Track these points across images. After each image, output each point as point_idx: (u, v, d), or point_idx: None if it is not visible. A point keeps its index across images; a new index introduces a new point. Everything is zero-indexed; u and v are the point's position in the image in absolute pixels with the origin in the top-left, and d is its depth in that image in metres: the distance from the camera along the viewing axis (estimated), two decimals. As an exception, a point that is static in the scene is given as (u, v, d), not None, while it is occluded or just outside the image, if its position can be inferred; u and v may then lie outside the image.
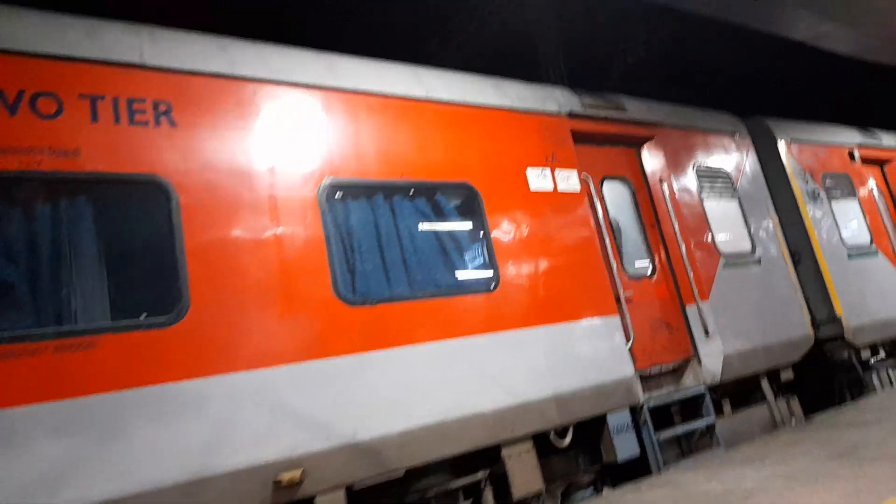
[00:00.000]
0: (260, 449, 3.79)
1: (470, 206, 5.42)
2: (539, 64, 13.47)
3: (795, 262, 8.68)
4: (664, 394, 6.40)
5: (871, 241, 9.36)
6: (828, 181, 9.25)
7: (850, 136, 10.07)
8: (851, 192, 9.53)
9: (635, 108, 7.22)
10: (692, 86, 17.56)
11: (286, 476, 3.77)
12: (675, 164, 7.31)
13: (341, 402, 4.14)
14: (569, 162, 6.23)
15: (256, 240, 4.19)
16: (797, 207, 8.69)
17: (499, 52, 13.21)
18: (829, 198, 9.12)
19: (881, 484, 3.93)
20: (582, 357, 5.51)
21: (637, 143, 7.28)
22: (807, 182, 8.93)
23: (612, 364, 5.70)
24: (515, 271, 5.41)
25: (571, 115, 6.48)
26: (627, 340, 5.95)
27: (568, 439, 5.37)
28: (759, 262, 7.64)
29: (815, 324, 8.52)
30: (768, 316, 7.40)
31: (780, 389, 7.67)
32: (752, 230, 7.81)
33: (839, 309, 8.35)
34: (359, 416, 4.16)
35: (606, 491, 5.81)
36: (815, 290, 8.53)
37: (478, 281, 5.21)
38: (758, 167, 8.41)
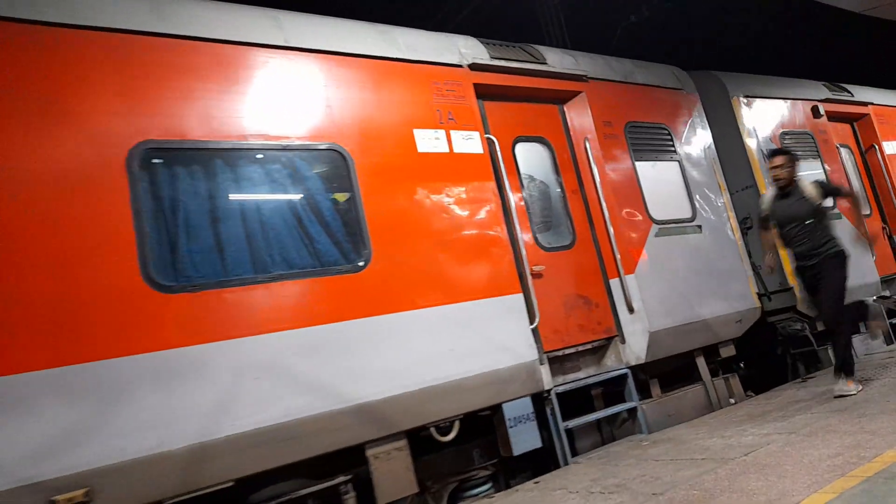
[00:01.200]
0: (35, 467, 3.19)
1: (338, 172, 4.72)
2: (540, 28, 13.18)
3: (747, 229, 8.01)
4: (578, 377, 5.81)
5: (834, 204, 8.66)
6: (787, 140, 8.50)
7: (814, 91, 9.28)
8: (814, 152, 8.79)
9: (557, 60, 6.45)
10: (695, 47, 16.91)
11: (62, 498, 3.18)
12: (605, 122, 6.57)
13: (147, 409, 3.53)
14: (469, 121, 5.51)
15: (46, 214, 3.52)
16: (751, 169, 7.98)
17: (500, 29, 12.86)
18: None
19: (880, 438, 3.94)
20: (472, 343, 4.88)
21: (560, 100, 6.54)
22: (763, 141, 8.19)
23: (511, 348, 5.08)
24: (394, 247, 4.74)
25: (475, 68, 5.73)
26: (533, 320, 5.32)
27: (452, 434, 4.79)
28: (699, 228, 6.97)
29: (765, 295, 7.90)
30: (707, 288, 6.76)
31: (722, 367, 7.08)
32: (695, 194, 7.11)
33: (791, 278, 7.71)
34: (166, 422, 3.55)
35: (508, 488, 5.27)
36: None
37: (344, 259, 4.55)
38: (705, 125, 7.67)
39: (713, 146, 7.64)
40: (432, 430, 4.68)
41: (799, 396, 6.05)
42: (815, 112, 9.02)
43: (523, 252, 5.48)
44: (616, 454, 5.25)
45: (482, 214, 5.31)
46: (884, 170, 9.73)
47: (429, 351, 4.64)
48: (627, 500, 3.86)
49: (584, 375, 5.91)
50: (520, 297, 5.29)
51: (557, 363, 5.80)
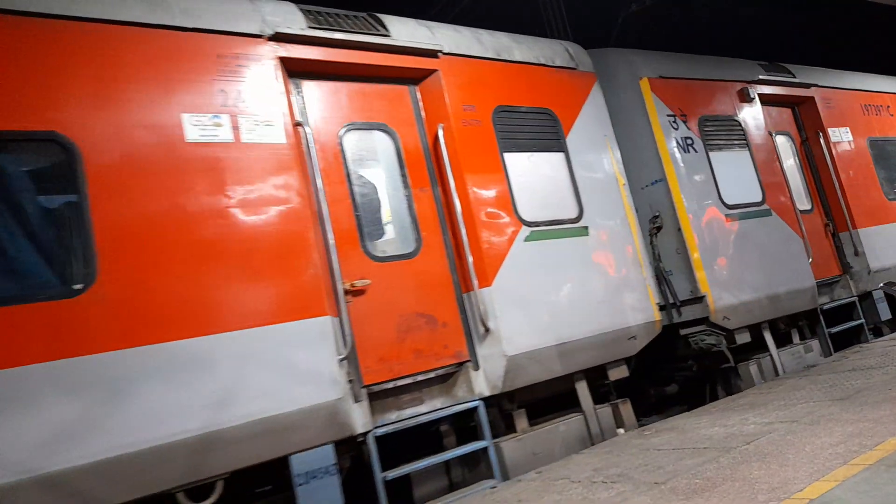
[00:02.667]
0: None
1: (61, 168, 3.71)
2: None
3: (657, 228, 7.02)
4: (418, 413, 4.83)
5: (764, 199, 7.66)
6: (707, 126, 7.49)
7: (746, 72, 8.26)
8: (742, 140, 7.79)
9: (406, 32, 5.43)
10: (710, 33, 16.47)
11: None
12: (466, 106, 5.56)
13: None
14: (270, 104, 4.49)
15: None
16: (660, 160, 6.98)
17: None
18: (708, 147, 7.39)
19: (882, 426, 3.92)
20: (244, 383, 3.89)
21: (412, 80, 5.52)
22: (676, 127, 7.18)
23: (304, 386, 4.09)
24: (137, 263, 3.74)
25: (283, 39, 4.70)
26: (342, 349, 4.33)
27: (212, 499, 3.80)
28: (585, 230, 5.97)
29: (674, 305, 6.92)
30: (592, 300, 5.77)
31: (613, 391, 6.11)
32: (583, 191, 6.11)
33: (704, 285, 6.73)
34: None
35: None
36: (678, 263, 6.90)
37: (50, 281, 3.54)
38: (603, 110, 6.65)
39: (613, 134, 6.63)
40: (179, 496, 3.70)
41: (801, 385, 5.98)
42: (745, 95, 8.01)
43: (335, 264, 4.48)
44: (618, 444, 5.19)
45: (279, 219, 4.30)
46: (828, 160, 8.73)
47: (173, 396, 3.65)
48: (630, 489, 3.83)
49: (428, 410, 4.93)
50: (326, 320, 4.29)
51: (390, 397, 4.81)
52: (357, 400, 4.42)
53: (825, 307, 8.03)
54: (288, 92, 4.68)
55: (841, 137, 9.08)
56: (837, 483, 3.10)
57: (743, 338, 7.07)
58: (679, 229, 6.84)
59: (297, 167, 4.49)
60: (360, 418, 4.36)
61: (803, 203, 8.55)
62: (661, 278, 6.99)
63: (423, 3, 13.56)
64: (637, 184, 7.21)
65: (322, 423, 4.14)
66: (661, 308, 7.05)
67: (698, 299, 6.77)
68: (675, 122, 7.19)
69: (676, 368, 7.50)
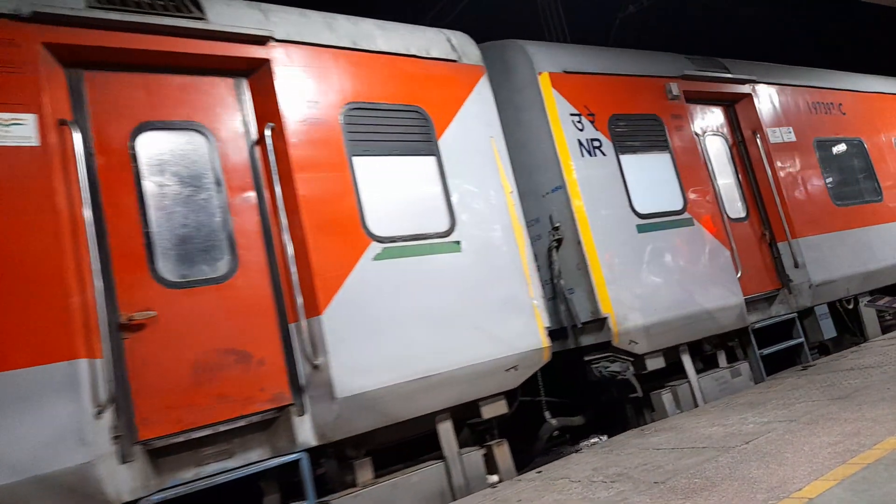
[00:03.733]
0: None
1: None
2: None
3: (558, 241, 6.23)
4: (227, 468, 4.02)
5: (685, 207, 6.88)
6: (620, 127, 6.71)
7: (670, 66, 7.48)
8: (662, 142, 7.00)
9: (229, 14, 4.62)
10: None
11: None
12: (310, 103, 4.76)
13: None
14: (18, 98, 3.68)
15: None
16: (559, 164, 6.19)
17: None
18: (619, 149, 6.60)
19: (880, 425, 3.94)
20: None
21: (240, 71, 4.72)
22: (581, 128, 6.40)
23: (39, 453, 3.28)
24: None
25: (47, 20, 3.89)
26: (104, 398, 3.53)
27: None
28: (457, 245, 5.17)
29: (574, 327, 6.14)
30: (461, 326, 4.98)
31: (485, 432, 5.31)
32: (457, 199, 5.31)
33: (607, 305, 5.94)
34: None
35: None
36: (579, 280, 6.11)
37: None
38: (491, 108, 5.85)
39: (502, 135, 5.83)
40: None
41: (799, 384, 6.01)
42: (667, 92, 7.23)
43: (101, 293, 3.67)
44: (618, 443, 5.20)
45: (17, 238, 3.49)
46: (765, 162, 7.95)
47: None
48: (629, 488, 3.83)
49: (239, 464, 4.12)
50: (76, 365, 3.48)
51: (187, 451, 4.00)
52: (126, 460, 3.61)
53: (757, 326, 7.25)
54: (52, 84, 3.86)
55: (782, 138, 8.31)
56: (836, 482, 3.10)
57: (655, 363, 6.29)
58: (579, 242, 6.05)
59: (54, 174, 3.68)
60: (124, 483, 3.55)
61: (736, 210, 7.77)
62: (562, 297, 6.21)
63: (423, 5, 13.65)
64: (539, 191, 6.43)
65: (64, 497, 3.32)
66: (562, 331, 6.28)
67: (600, 321, 5.98)
68: (580, 121, 6.40)
69: (588, 396, 6.71)
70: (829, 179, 8.70)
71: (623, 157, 6.61)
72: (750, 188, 8.06)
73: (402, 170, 5.10)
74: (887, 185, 9.51)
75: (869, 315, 8.56)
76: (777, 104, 8.45)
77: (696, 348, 6.90)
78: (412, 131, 5.25)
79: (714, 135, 7.89)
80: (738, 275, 7.08)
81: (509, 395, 5.47)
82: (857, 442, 3.70)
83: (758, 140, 8.00)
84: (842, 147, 9.21)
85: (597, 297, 5.93)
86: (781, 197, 7.91)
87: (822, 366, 6.83)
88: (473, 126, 5.63)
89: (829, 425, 4.22)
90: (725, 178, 7.83)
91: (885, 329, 8.92)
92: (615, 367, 6.06)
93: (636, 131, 6.84)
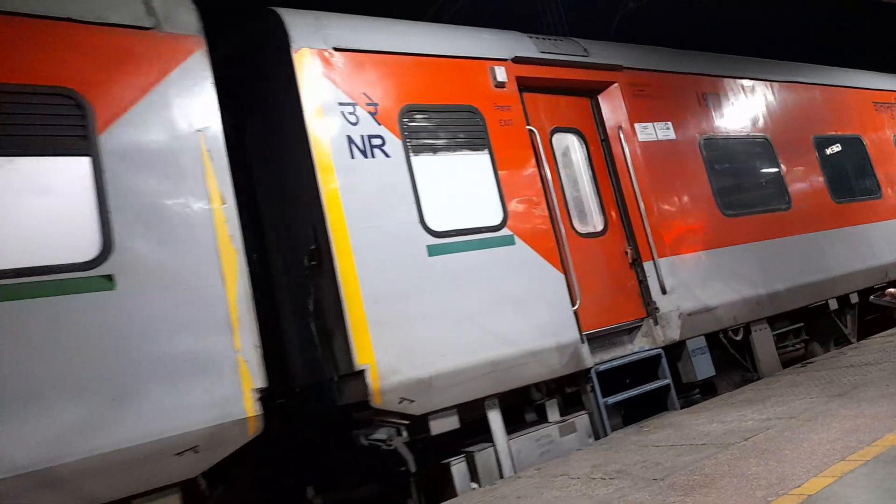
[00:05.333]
0: None
1: None
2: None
3: (313, 266, 4.83)
4: None
5: (504, 222, 5.48)
6: (416, 120, 5.30)
7: (499, 47, 6.06)
8: (480, 140, 5.60)
9: None
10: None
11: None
12: None
13: None
14: None
15: None
16: (314, 168, 4.77)
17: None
18: (412, 149, 5.20)
19: (879, 422, 3.96)
20: None
21: None
22: (355, 121, 4.98)
23: None
24: None
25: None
26: None
27: None
28: (108, 281, 3.75)
29: (331, 382, 4.74)
30: (103, 396, 3.57)
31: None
32: (121, 217, 3.89)
33: (366, 354, 4.53)
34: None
35: None
36: (337, 319, 4.70)
37: None
38: (205, 93, 4.42)
39: (220, 131, 4.41)
40: None
41: (799, 381, 6.01)
42: (492, 77, 5.82)
43: None
44: (617, 440, 5.21)
45: None
46: (628, 164, 6.56)
47: None
48: (628, 485, 3.84)
49: None
50: None
51: None
52: None
53: (603, 368, 5.84)
54: None
55: (656, 135, 6.91)
56: (835, 479, 3.12)
57: (444, 424, 4.88)
58: (333, 269, 4.63)
59: None
60: None
61: (590, 224, 6.37)
62: (318, 341, 4.81)
63: (422, 2, 13.54)
64: (299, 200, 5.02)
65: None
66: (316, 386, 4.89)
67: (354, 375, 4.57)
68: (353, 113, 4.99)
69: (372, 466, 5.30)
70: (720, 185, 7.31)
71: (417, 159, 5.20)
72: (614, 197, 6.66)
73: (26, 177, 3.68)
74: (799, 191, 8.13)
75: (763, 347, 7.18)
76: (653, 95, 7.05)
77: (525, 397, 5.52)
78: (52, 124, 3.83)
79: (565, 131, 6.48)
80: (576, 306, 5.68)
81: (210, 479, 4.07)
82: (857, 439, 3.70)
83: (621, 137, 6.60)
84: (741, 146, 7.82)
85: (351, 344, 4.52)
86: (647, 206, 6.52)
87: (821, 363, 6.77)
88: (166, 118, 4.20)
89: (829, 422, 4.22)
90: (577, 185, 6.43)
91: (787, 362, 7.54)
92: (381, 433, 4.66)
93: (441, 126, 5.43)
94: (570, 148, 6.50)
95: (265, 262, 5.64)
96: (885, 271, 8.83)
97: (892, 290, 7.59)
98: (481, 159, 5.55)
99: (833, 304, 8.02)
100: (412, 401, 4.65)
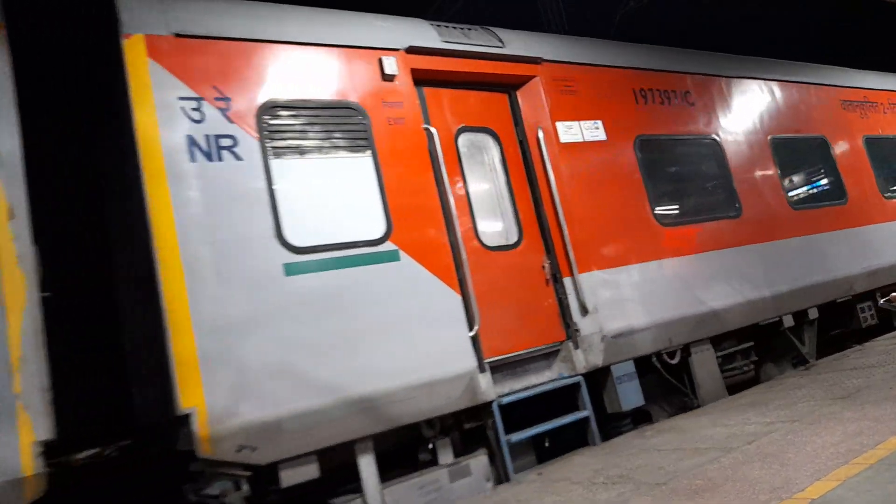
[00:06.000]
0: None
1: None
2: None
3: (146, 292, 4.12)
4: None
5: (388, 235, 4.77)
6: (279, 118, 4.60)
7: (390, 35, 5.34)
8: (360, 140, 4.89)
9: None
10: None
11: None
12: None
13: None
14: None
15: None
16: (140, 172, 4.06)
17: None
18: (272, 152, 4.50)
19: (883, 424, 3.95)
20: None
21: None
22: (199, 118, 4.27)
23: None
24: None
25: None
26: None
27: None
28: None
29: (158, 426, 4.04)
30: None
31: None
32: None
33: (193, 395, 3.83)
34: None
35: None
36: (158, 353, 3.99)
37: None
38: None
39: (8, 132, 3.70)
40: None
41: (802, 384, 5.96)
42: (380, 69, 5.11)
43: None
44: (619, 444, 5.15)
45: None
46: (547, 168, 5.85)
47: None
48: (631, 489, 3.82)
49: None
50: None
51: None
52: None
53: (507, 401, 5.13)
54: None
55: (582, 135, 6.21)
56: (839, 482, 3.10)
57: (299, 474, 4.16)
58: (156, 293, 3.92)
59: None
60: None
61: (501, 235, 5.66)
62: (147, 375, 4.10)
63: (422, 3, 13.45)
64: (136, 213, 4.30)
65: None
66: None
67: (182, 419, 3.85)
68: (197, 109, 4.28)
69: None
70: (659, 191, 6.61)
71: (279, 163, 4.50)
72: (532, 205, 5.95)
73: None
74: (751, 197, 7.43)
75: (705, 370, 6.47)
76: (581, 91, 6.35)
77: (416, 436, 4.81)
78: None
79: (475, 131, 5.78)
80: (473, 330, 4.97)
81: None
82: (860, 442, 3.70)
83: (540, 138, 5.89)
84: (685, 148, 7.12)
85: (175, 383, 3.81)
86: (568, 215, 5.82)
87: (825, 365, 6.72)
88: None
89: (832, 425, 4.21)
90: (488, 192, 5.72)
91: (735, 385, 6.84)
92: (214, 487, 3.94)
93: (313, 125, 4.72)
94: (482, 150, 5.80)
95: (111, 284, 4.93)
96: (851, 283, 8.13)
97: None
98: (362, 163, 4.84)
99: (788, 321, 7.32)
100: (254, 448, 3.94)
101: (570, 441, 5.56)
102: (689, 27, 16.94)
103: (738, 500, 3.21)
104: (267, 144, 4.47)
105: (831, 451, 3.64)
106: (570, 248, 5.72)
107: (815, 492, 3.06)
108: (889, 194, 9.43)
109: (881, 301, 7.73)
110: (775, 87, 8.36)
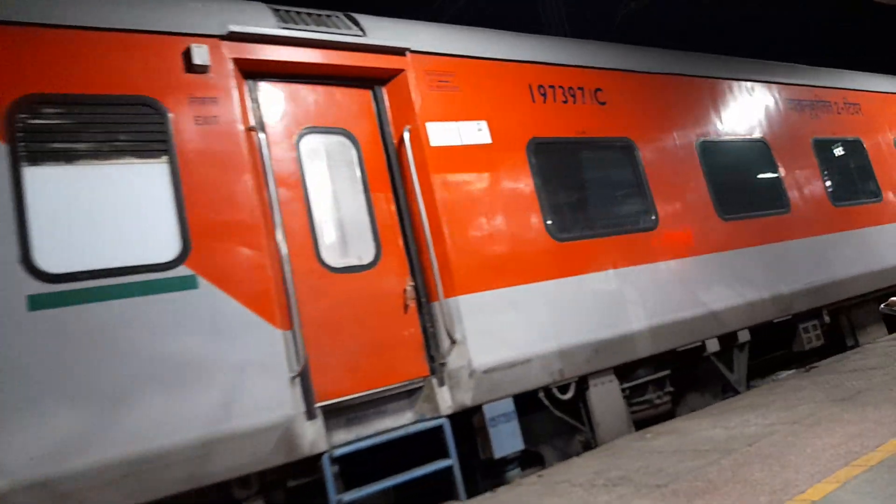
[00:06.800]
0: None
1: None
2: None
3: None
4: None
5: (182, 257, 3.96)
6: (39, 118, 3.80)
7: (202, 18, 4.51)
8: (154, 143, 4.08)
9: None
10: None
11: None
12: None
13: None
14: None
15: None
16: None
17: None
18: (27, 158, 3.69)
19: (884, 426, 3.97)
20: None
21: None
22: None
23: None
24: None
25: None
26: None
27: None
28: None
29: None
30: None
31: None
32: None
33: None
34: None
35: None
36: None
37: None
38: None
39: None
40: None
41: (802, 386, 5.95)
42: (187, 59, 4.30)
43: None
44: (619, 447, 5.13)
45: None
46: (413, 175, 5.05)
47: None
48: (631, 491, 3.83)
49: None
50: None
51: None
52: None
53: (340, 452, 4.31)
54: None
55: (461, 138, 5.41)
56: (839, 484, 3.10)
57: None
58: None
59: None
60: None
61: (351, 254, 4.85)
62: None
63: (422, 3, 13.69)
64: None
65: None
66: None
67: None
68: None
69: None
70: (556, 201, 5.82)
71: (35, 171, 3.70)
72: (397, 218, 5.15)
73: None
74: (670, 206, 6.64)
75: (605, 406, 5.67)
76: (462, 87, 5.56)
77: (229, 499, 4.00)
78: None
79: (324, 132, 4.97)
80: (295, 371, 4.16)
81: None
82: (861, 444, 3.70)
83: (405, 140, 5.10)
84: (592, 152, 6.33)
85: None
86: (436, 229, 5.03)
87: (825, 367, 6.75)
88: None
89: (832, 427, 4.22)
90: (338, 203, 4.91)
91: (646, 421, 6.04)
92: None
93: (89, 125, 3.91)
94: (333, 154, 4.99)
95: None
96: (790, 301, 7.35)
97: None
98: (156, 171, 4.03)
99: (713, 346, 6.52)
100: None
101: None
102: (690, 27, 17.16)
103: (739, 502, 3.22)
104: (19, 148, 3.66)
105: (831, 453, 3.65)
106: (435, 267, 4.92)
107: (815, 494, 3.06)
108: (841, 203, 8.66)
109: (881, 307, 7.61)
110: (705, 86, 7.58)
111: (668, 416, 6.33)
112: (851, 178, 9.13)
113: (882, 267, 8.54)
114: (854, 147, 9.34)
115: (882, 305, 7.82)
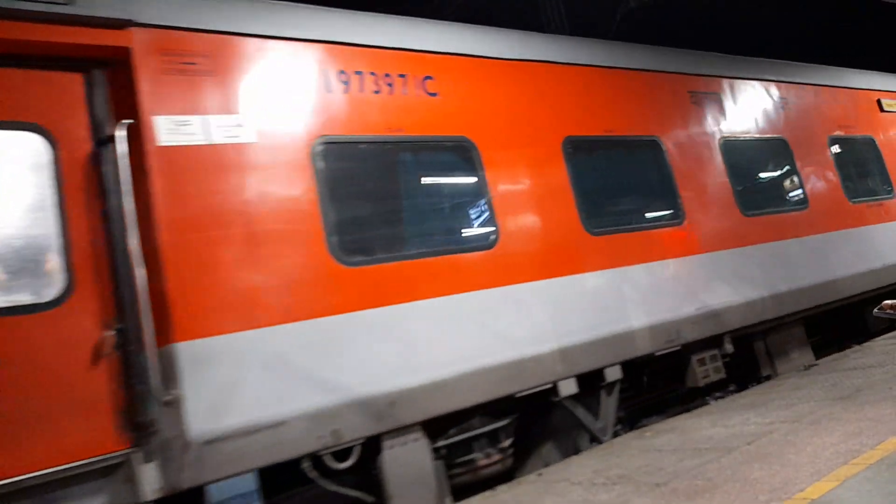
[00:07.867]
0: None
1: None
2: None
3: None
4: None
5: None
6: None
7: None
8: None
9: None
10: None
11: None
12: None
13: None
14: None
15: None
16: None
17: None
18: None
19: (883, 425, 3.97)
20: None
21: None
22: None
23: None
24: None
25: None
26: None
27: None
28: None
29: None
30: None
31: None
32: None
33: None
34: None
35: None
36: None
37: None
38: None
39: None
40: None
41: (801, 384, 5.96)
42: None
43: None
44: (619, 445, 5.14)
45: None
46: (119, 184, 3.88)
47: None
48: (631, 490, 3.83)
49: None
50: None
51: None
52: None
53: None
54: None
55: (207, 136, 4.23)
56: (839, 483, 3.10)
57: None
58: None
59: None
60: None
61: (15, 289, 3.66)
62: None
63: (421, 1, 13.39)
64: None
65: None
66: None
67: None
68: None
69: None
70: (349, 214, 4.66)
71: None
72: (106, 239, 3.96)
73: None
74: (518, 219, 5.49)
75: (406, 472, 4.49)
76: (217, 71, 4.38)
77: None
78: None
79: (6, 127, 3.79)
80: None
81: None
82: (860, 442, 3.69)
83: (117, 138, 3.91)
84: (410, 154, 5.18)
85: None
86: (149, 254, 3.85)
87: (825, 365, 6.77)
88: None
89: (832, 425, 4.21)
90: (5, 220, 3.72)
91: (470, 486, 4.87)
92: None
93: None
94: (12, 156, 3.80)
95: None
96: (676, 329, 6.21)
97: (889, 301, 6.51)
98: None
99: (569, 388, 5.37)
100: None
101: None
102: (690, 27, 17.12)
103: (739, 500, 3.23)
104: None
105: (831, 452, 3.67)
106: (144, 304, 3.74)
107: (814, 492, 3.07)
108: (752, 212, 7.53)
109: (875, 310, 6.66)
110: (578, 76, 6.42)
111: (508, 475, 5.17)
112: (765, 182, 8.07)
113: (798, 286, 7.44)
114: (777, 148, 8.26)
115: (875, 309, 7.01)
